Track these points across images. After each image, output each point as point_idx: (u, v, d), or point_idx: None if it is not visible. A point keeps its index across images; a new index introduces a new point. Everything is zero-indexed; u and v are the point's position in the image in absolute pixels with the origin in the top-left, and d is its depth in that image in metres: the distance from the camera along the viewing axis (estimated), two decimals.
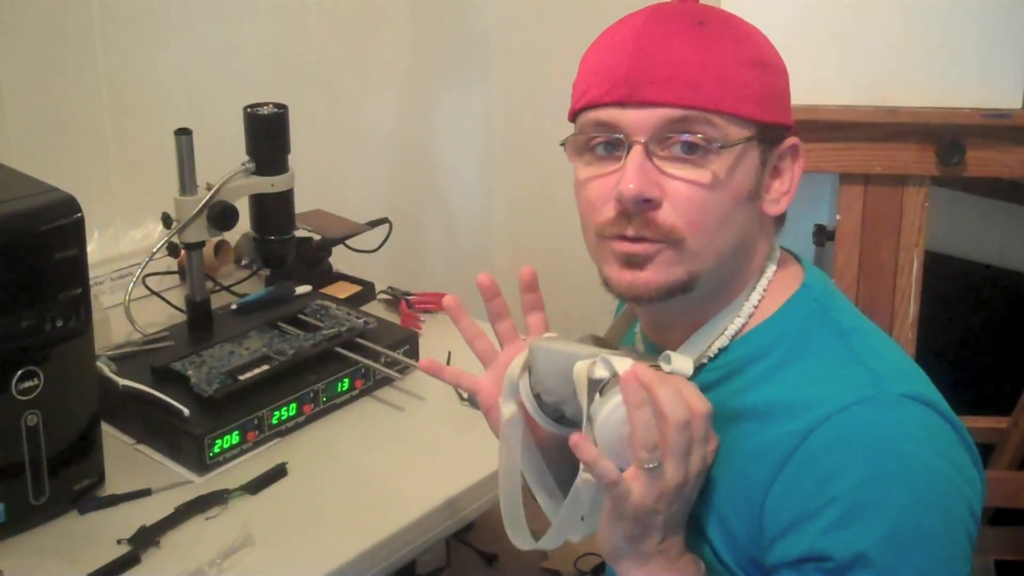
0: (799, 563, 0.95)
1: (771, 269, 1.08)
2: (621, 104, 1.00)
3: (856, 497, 0.93)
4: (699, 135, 0.99)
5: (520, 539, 1.13)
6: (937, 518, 0.95)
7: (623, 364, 0.97)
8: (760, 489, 0.98)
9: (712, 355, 1.06)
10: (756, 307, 1.06)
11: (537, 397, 1.07)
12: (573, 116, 1.06)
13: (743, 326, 1.06)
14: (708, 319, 1.06)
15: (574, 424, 1.06)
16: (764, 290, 1.06)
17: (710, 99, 0.99)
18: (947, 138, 1.75)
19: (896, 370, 1.01)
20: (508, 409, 1.10)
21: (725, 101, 0.99)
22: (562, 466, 1.13)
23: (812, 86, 1.72)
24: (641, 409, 0.94)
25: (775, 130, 1.03)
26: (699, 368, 1.06)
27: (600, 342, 1.09)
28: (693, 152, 0.99)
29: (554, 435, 1.10)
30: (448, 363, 1.76)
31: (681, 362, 0.99)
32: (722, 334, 1.05)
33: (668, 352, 1.00)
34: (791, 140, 1.05)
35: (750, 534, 1.00)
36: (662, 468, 0.95)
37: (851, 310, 1.09)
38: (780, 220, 1.09)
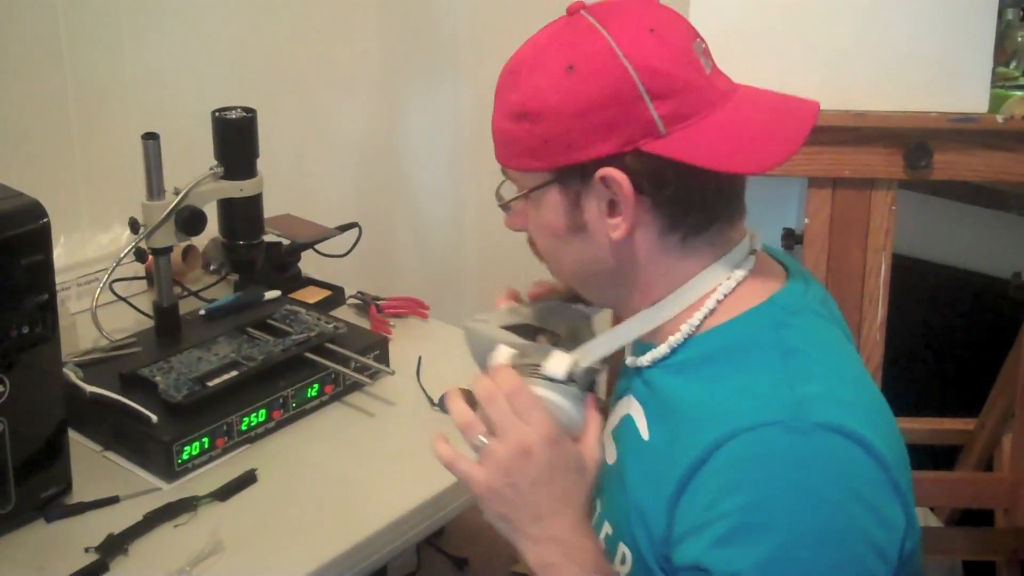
0: (686, 570, 0.96)
1: (719, 273, 1.06)
2: None
3: (743, 518, 0.92)
4: (499, 191, 1.12)
5: None
6: (822, 553, 0.92)
7: (504, 359, 1.10)
8: (674, 492, 0.98)
9: (670, 349, 1.07)
10: (713, 310, 1.05)
11: None
12: None
13: (698, 326, 1.05)
14: (633, 314, 1.10)
15: None
16: (723, 296, 1.05)
17: (498, 156, 1.09)
18: (914, 142, 1.76)
19: (827, 398, 0.97)
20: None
21: (502, 156, 1.08)
22: None
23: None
24: (454, 401, 1.07)
25: (570, 170, 1.03)
26: (664, 357, 1.07)
27: (517, 313, 1.21)
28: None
29: None
30: (418, 368, 1.76)
31: (554, 363, 1.07)
32: (678, 331, 1.06)
33: (551, 348, 1.10)
34: (599, 173, 1.02)
35: (663, 533, 1.00)
36: (489, 443, 1.04)
37: (811, 332, 1.05)
38: (685, 235, 1.05)
